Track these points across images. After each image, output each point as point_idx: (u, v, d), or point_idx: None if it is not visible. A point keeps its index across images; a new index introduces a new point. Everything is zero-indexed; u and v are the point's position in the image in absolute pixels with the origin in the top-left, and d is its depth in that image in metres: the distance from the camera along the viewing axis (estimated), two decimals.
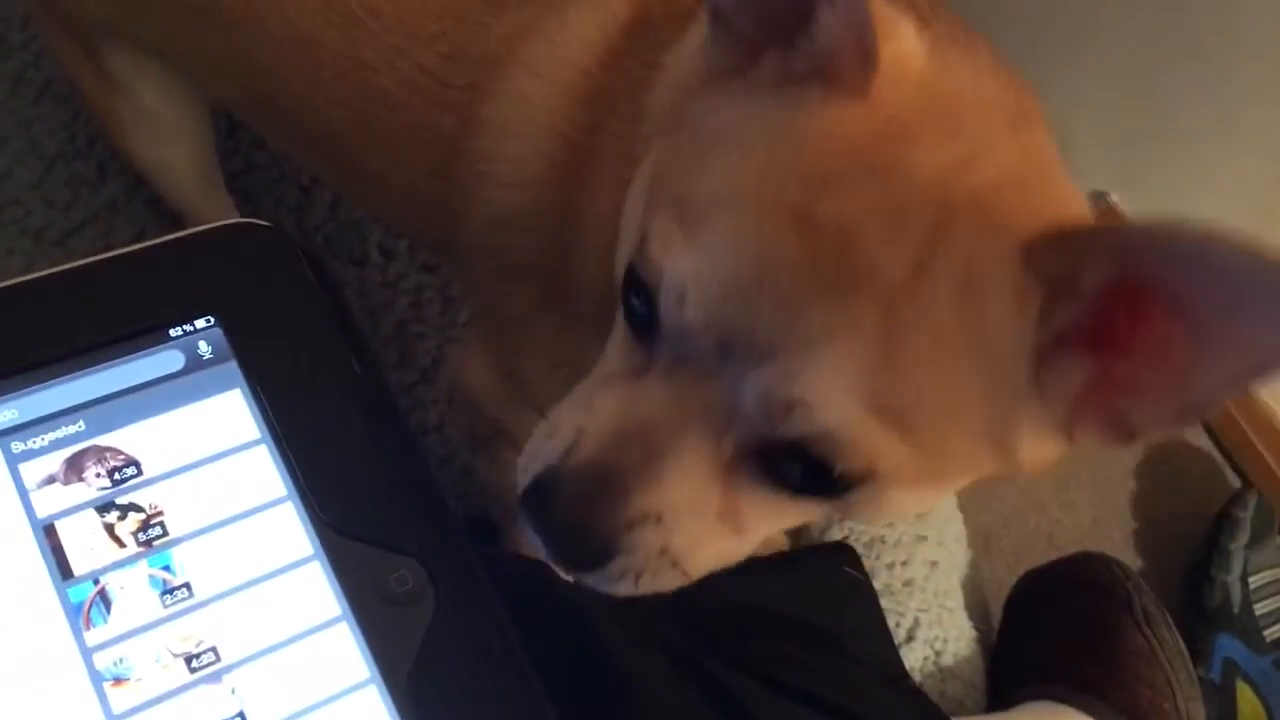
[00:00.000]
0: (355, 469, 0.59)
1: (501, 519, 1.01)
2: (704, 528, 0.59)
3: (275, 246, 0.65)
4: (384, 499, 0.58)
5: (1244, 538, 1.73)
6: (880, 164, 0.52)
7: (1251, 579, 1.72)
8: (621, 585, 0.60)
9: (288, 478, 0.57)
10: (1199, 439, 1.97)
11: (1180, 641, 1.15)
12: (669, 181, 0.59)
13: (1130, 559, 1.85)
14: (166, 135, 1.06)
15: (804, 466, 0.56)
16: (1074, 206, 0.57)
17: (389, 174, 0.84)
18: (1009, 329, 0.53)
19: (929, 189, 0.52)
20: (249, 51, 0.82)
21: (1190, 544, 1.82)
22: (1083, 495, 1.90)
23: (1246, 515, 1.74)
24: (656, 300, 0.56)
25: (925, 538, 1.16)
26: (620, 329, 0.62)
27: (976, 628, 1.17)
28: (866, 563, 1.12)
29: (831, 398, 0.52)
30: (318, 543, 0.55)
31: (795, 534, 1.15)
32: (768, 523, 0.62)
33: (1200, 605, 1.73)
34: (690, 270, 0.53)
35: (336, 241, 1.17)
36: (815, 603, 1.05)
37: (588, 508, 0.57)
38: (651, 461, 0.56)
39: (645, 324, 0.58)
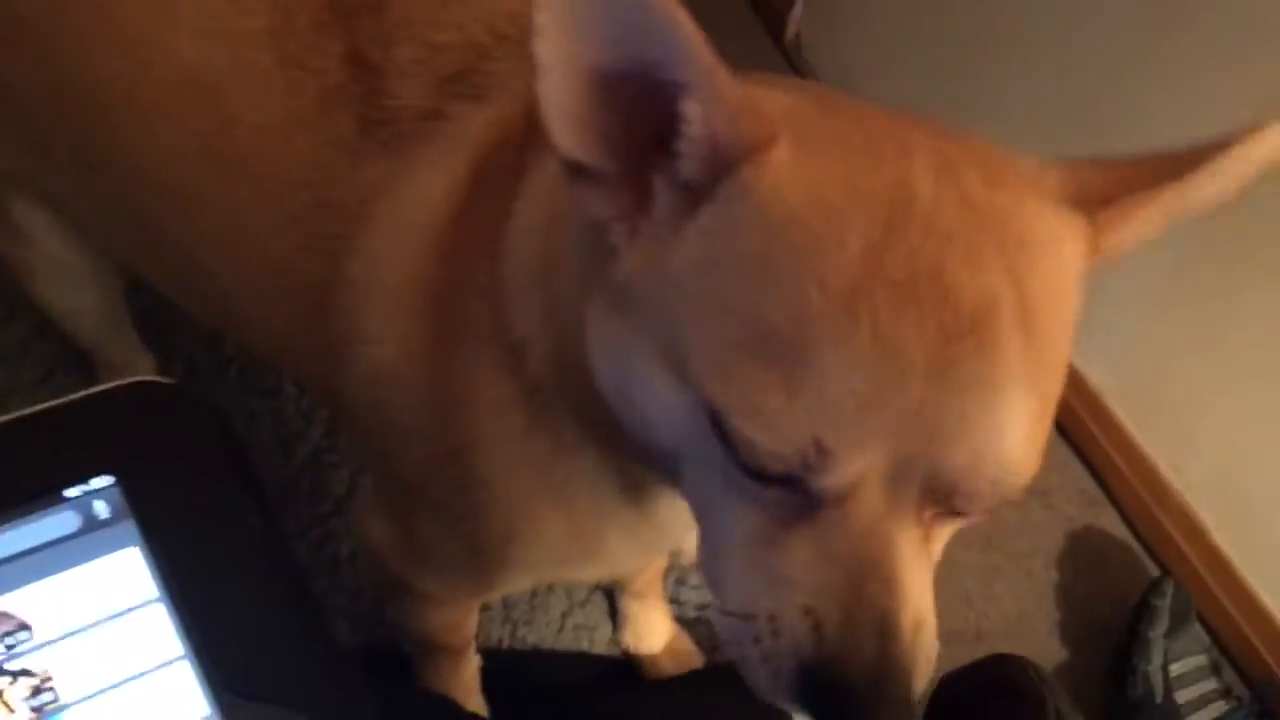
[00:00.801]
0: (252, 627, 0.59)
1: (414, 653, 1.01)
2: None
3: (178, 403, 0.66)
4: (280, 656, 0.58)
5: (1163, 626, 1.76)
6: (887, 200, 0.53)
7: (1172, 667, 1.75)
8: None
9: (184, 637, 0.57)
10: (1118, 529, 2.01)
11: None
12: (686, 347, 0.56)
13: (1055, 650, 1.88)
14: (73, 283, 1.06)
15: None
16: (1029, 162, 0.60)
17: (268, 321, 0.85)
18: (1079, 284, 0.59)
19: (951, 206, 0.53)
20: (135, 200, 0.84)
21: (1114, 633, 1.85)
22: (1007, 588, 1.92)
23: (1164, 604, 1.77)
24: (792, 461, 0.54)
25: None
26: (718, 489, 0.60)
27: None
28: None
29: (1022, 449, 0.54)
30: (214, 703, 0.55)
31: (710, 650, 1.16)
32: (941, 547, 0.62)
33: (1124, 696, 1.75)
34: (833, 414, 0.52)
35: (250, 373, 1.18)
36: (743, 716, 1.05)
37: (889, 671, 0.56)
38: (894, 585, 0.56)
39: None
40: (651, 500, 0.75)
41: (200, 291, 0.88)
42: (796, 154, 0.54)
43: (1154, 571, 1.94)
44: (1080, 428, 2.03)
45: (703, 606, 1.16)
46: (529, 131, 0.70)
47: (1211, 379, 1.80)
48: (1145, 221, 0.59)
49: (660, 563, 1.12)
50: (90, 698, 0.54)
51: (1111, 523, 2.02)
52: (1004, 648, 1.86)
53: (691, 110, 0.54)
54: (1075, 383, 2.03)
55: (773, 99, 0.57)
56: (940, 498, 0.56)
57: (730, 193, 0.54)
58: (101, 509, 0.59)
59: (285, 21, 0.77)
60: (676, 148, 0.56)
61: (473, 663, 1.05)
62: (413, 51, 0.76)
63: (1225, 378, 1.77)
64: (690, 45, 0.51)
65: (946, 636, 1.80)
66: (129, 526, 0.59)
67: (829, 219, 0.52)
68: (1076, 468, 2.06)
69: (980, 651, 1.86)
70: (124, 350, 1.13)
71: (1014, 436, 0.54)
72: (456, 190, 0.73)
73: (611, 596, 1.15)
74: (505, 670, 1.08)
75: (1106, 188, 0.58)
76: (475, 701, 1.05)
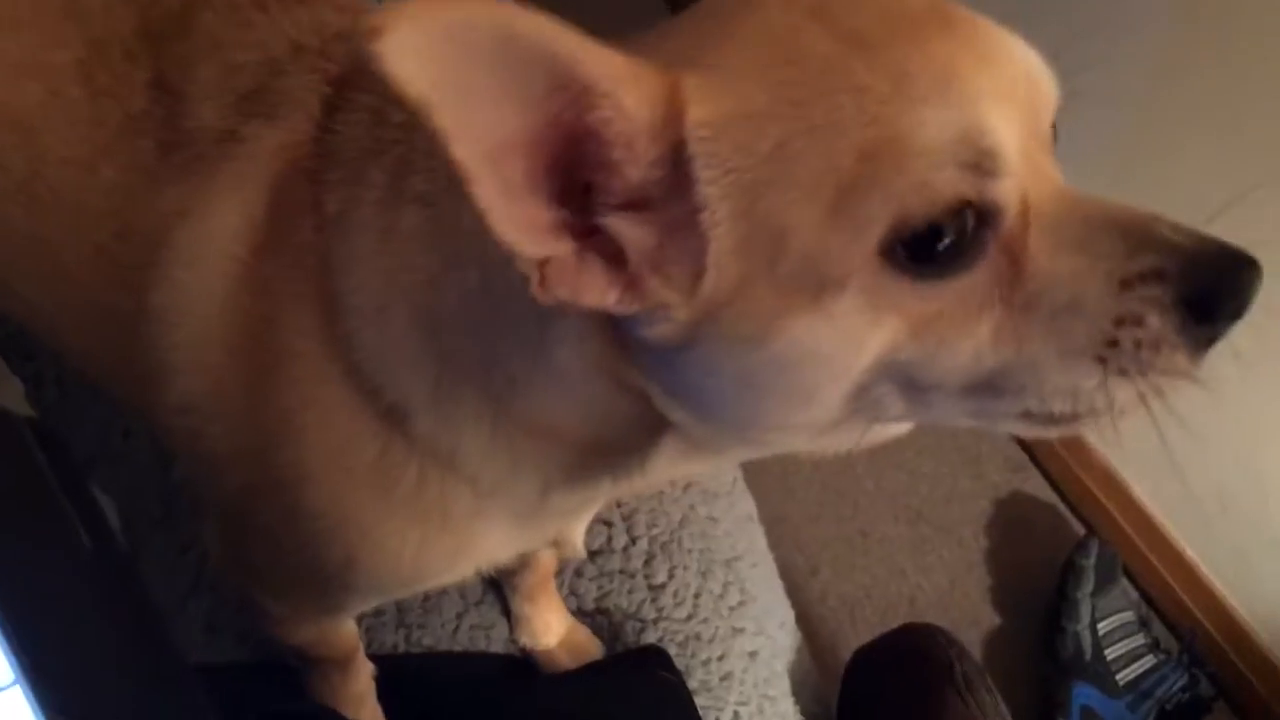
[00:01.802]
0: (87, 649, 0.59)
1: (299, 666, 1.01)
2: None
3: (2, 427, 0.66)
4: (117, 676, 0.58)
5: (1089, 585, 1.78)
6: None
7: (1100, 625, 1.77)
8: None
9: (15, 663, 0.57)
10: (1044, 492, 2.03)
11: (1001, 704, 1.18)
12: (814, 251, 0.53)
13: (989, 616, 1.90)
14: None
15: None
16: None
17: (93, 355, 0.84)
18: None
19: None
20: None
21: (1044, 595, 1.87)
22: (938, 558, 1.95)
23: (1089, 563, 1.79)
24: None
25: (742, 629, 1.18)
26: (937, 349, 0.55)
27: (805, 709, 1.19)
28: (682, 661, 1.13)
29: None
30: None
31: (610, 640, 1.17)
32: None
33: (1055, 656, 1.77)
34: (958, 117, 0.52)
35: None
36: (628, 711, 1.06)
37: (1211, 239, 0.54)
38: (1133, 210, 0.56)
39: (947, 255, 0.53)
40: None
41: (36, 326, 0.87)
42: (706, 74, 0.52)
43: (1081, 532, 1.96)
44: None
45: (601, 598, 1.17)
46: (319, 162, 0.69)
47: None
48: None
49: (549, 564, 1.12)
50: None
51: (1037, 486, 2.04)
52: (938, 618, 1.88)
53: (603, 115, 0.50)
54: None
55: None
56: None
57: (697, 150, 0.52)
58: None
59: (97, 53, 0.76)
60: (612, 180, 0.52)
61: (364, 671, 1.04)
62: (213, 71, 0.75)
63: None
64: (567, 48, 0.48)
65: (881, 609, 1.83)
66: None
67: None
68: (1001, 434, 2.08)
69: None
70: None
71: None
72: (255, 220, 0.72)
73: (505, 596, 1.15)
74: (403, 674, 1.08)
75: None
76: (369, 711, 1.05)
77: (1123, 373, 0.54)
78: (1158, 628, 1.87)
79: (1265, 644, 1.76)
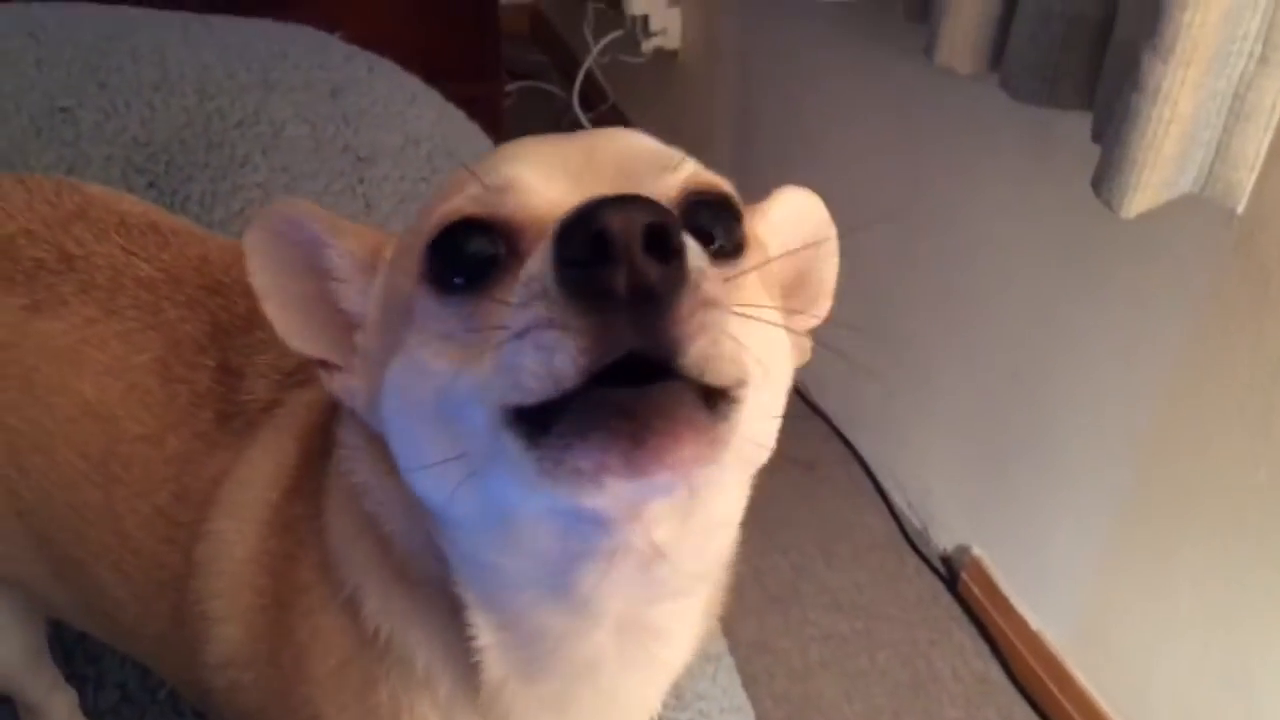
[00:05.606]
0: None
1: None
2: None
3: None
4: None
5: None
6: None
7: None
8: (699, 336, 0.49)
9: None
10: None
11: None
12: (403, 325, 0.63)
13: None
14: None
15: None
16: None
17: (145, 623, 0.88)
18: None
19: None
20: (41, 528, 0.90)
21: None
22: None
23: None
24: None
25: None
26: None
27: None
28: None
29: (644, 140, 0.67)
30: None
31: None
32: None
33: None
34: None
35: (180, 696, 1.14)
36: None
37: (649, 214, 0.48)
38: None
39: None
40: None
41: (99, 610, 0.92)
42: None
43: None
44: (1039, 685, 2.08)
45: None
46: (335, 411, 0.77)
47: (1157, 633, 1.86)
48: None
49: None
50: None
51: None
52: None
53: (330, 256, 0.70)
54: (1032, 641, 2.11)
55: None
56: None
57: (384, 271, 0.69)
58: None
59: (172, 350, 0.87)
60: (348, 305, 0.71)
61: None
62: (270, 357, 0.86)
63: (1170, 631, 1.82)
64: (318, 221, 0.70)
65: None
66: None
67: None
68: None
69: None
70: (43, 690, 1.14)
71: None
72: (286, 466, 0.80)
73: None
74: None
75: None
76: None
77: (518, 334, 0.51)
78: None
79: None
